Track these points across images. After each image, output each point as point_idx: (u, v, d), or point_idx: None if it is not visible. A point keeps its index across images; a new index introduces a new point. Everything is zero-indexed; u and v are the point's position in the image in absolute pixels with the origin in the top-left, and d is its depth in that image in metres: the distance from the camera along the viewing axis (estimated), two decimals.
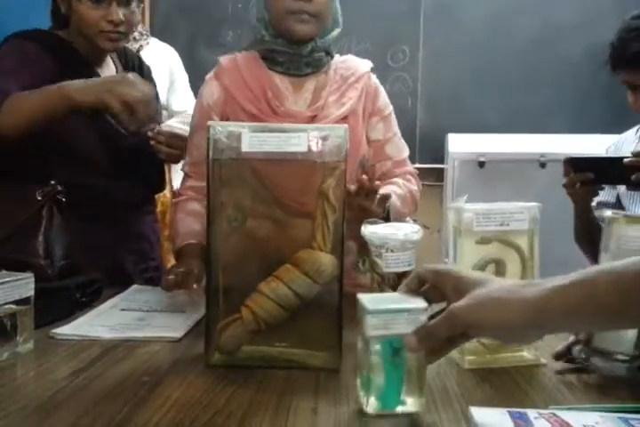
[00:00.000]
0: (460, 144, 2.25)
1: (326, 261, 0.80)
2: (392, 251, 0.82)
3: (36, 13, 1.37)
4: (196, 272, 1.06)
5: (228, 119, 1.21)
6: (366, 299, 0.64)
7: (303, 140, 0.78)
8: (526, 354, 0.82)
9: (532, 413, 0.61)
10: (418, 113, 2.43)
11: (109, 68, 1.33)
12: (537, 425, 0.58)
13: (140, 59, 1.45)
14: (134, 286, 1.23)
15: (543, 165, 2.16)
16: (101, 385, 0.73)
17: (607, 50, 1.30)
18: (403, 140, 1.32)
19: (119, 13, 1.18)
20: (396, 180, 1.27)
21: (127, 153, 1.28)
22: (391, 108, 1.30)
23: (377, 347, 0.62)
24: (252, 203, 0.82)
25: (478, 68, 2.46)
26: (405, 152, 1.32)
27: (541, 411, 0.62)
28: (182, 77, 2.20)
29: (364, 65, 1.28)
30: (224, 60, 1.27)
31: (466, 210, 0.82)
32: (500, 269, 0.83)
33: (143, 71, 1.41)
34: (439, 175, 2.17)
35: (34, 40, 1.21)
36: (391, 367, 0.62)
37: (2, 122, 1.09)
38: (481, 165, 2.19)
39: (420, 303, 0.63)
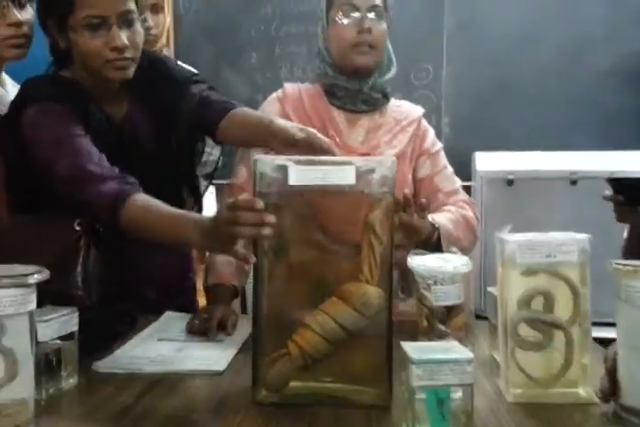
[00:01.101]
0: (488, 162, 2.22)
1: (373, 293, 0.78)
2: (441, 284, 0.80)
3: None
4: (219, 318, 1.10)
5: None
6: (410, 347, 0.63)
7: (350, 173, 0.77)
8: (581, 391, 0.79)
9: None
10: (442, 131, 2.41)
11: (120, 102, 1.19)
12: None
13: (158, 60, 1.24)
14: (167, 314, 1.23)
15: (574, 182, 2.13)
16: (153, 422, 0.71)
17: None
18: (454, 175, 1.35)
19: (122, 38, 1.07)
20: (447, 207, 1.28)
21: None
22: (440, 145, 1.35)
23: (422, 396, 0.60)
24: (299, 233, 0.82)
25: (503, 84, 2.45)
26: (457, 183, 1.34)
27: None
28: None
29: (417, 111, 1.35)
30: (289, 87, 1.34)
31: (509, 242, 0.80)
32: (548, 302, 0.81)
33: (169, 74, 1.23)
34: (467, 194, 2.15)
35: (52, 99, 1.09)
36: (437, 417, 0.61)
37: (123, 223, 1.00)
38: (509, 183, 2.17)
39: (465, 353, 0.61)
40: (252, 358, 0.80)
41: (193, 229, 0.89)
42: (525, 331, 0.80)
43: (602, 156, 2.11)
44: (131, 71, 1.12)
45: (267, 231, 0.76)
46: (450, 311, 0.81)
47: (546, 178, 2.14)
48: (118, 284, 1.18)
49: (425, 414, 0.61)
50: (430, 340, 0.83)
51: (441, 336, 0.80)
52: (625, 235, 1.24)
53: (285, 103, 1.30)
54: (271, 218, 0.76)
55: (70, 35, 1.09)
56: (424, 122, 1.35)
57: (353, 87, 1.27)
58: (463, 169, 2.26)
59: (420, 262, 0.82)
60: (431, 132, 1.35)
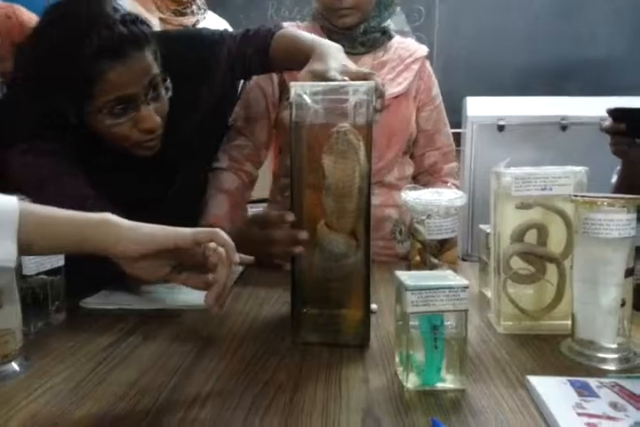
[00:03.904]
0: (479, 108, 2.19)
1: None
2: (435, 217, 0.79)
3: None
4: None
5: (284, 82, 1.22)
6: (405, 276, 0.62)
7: None
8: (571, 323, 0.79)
9: (592, 382, 0.60)
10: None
11: None
12: (602, 395, 0.57)
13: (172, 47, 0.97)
14: None
15: (564, 128, 2.11)
16: (143, 356, 0.71)
17: None
18: (450, 130, 1.36)
19: (152, 115, 0.89)
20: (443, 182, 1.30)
21: None
22: (441, 97, 1.34)
23: (415, 323, 0.60)
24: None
25: (496, 28, 2.38)
26: (453, 144, 1.36)
27: (602, 380, 0.61)
28: None
29: (422, 49, 1.31)
30: (287, 25, 1.27)
31: (505, 174, 0.79)
32: (542, 235, 0.80)
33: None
34: (457, 139, 2.11)
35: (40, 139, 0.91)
36: (430, 344, 0.60)
37: None
38: (500, 128, 2.14)
39: (460, 281, 0.61)
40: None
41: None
42: (518, 264, 0.79)
43: (592, 101, 2.08)
44: (159, 142, 0.96)
45: (299, 249, 0.73)
46: (443, 245, 0.80)
47: (536, 123, 2.11)
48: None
49: (419, 342, 0.61)
50: None
51: (433, 269, 0.80)
52: (616, 173, 1.23)
53: None
54: (304, 235, 0.73)
55: (86, 114, 0.88)
56: (428, 64, 1.31)
57: (347, 32, 1.22)
58: (454, 114, 2.23)
59: (414, 196, 0.80)
60: (435, 80, 1.32)
